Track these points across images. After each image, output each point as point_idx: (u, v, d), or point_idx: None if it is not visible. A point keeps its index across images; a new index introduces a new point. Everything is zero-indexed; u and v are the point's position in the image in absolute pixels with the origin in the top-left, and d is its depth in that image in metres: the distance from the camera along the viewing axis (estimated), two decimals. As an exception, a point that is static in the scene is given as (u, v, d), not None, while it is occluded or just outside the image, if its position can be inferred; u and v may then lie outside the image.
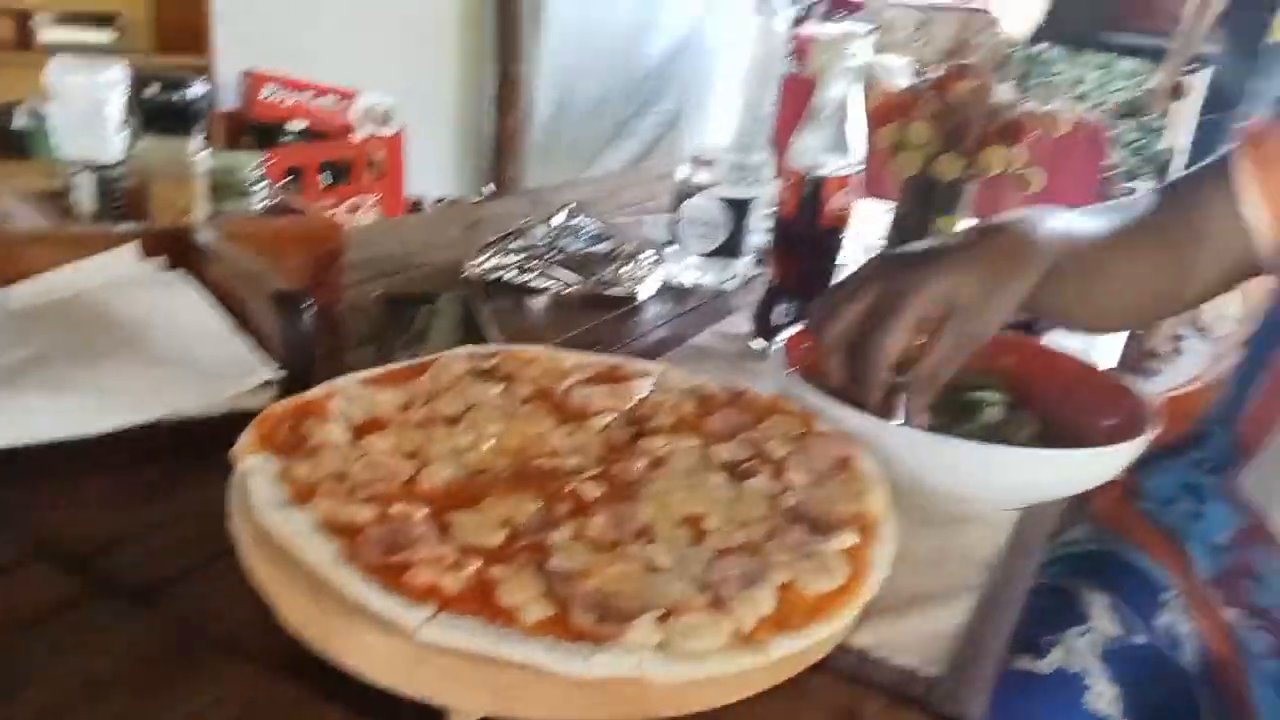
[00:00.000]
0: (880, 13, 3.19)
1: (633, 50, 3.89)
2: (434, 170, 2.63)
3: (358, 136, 2.21)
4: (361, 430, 0.56)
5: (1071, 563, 0.83)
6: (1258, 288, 0.80)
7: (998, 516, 0.67)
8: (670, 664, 0.42)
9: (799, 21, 3.80)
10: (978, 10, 3.38)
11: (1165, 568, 0.78)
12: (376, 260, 0.98)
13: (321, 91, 2.22)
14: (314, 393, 0.58)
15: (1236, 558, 0.73)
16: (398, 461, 0.53)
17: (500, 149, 2.75)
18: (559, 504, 0.52)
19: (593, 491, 0.53)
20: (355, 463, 0.52)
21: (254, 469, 0.50)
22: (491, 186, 2.55)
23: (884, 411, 0.62)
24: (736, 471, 0.57)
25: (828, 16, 3.14)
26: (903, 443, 0.60)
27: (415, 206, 2.33)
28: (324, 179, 2.21)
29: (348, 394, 0.59)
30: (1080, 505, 0.87)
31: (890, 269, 0.64)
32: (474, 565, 0.45)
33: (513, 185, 2.69)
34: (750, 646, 0.43)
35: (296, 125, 2.15)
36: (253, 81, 2.20)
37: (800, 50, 2.99)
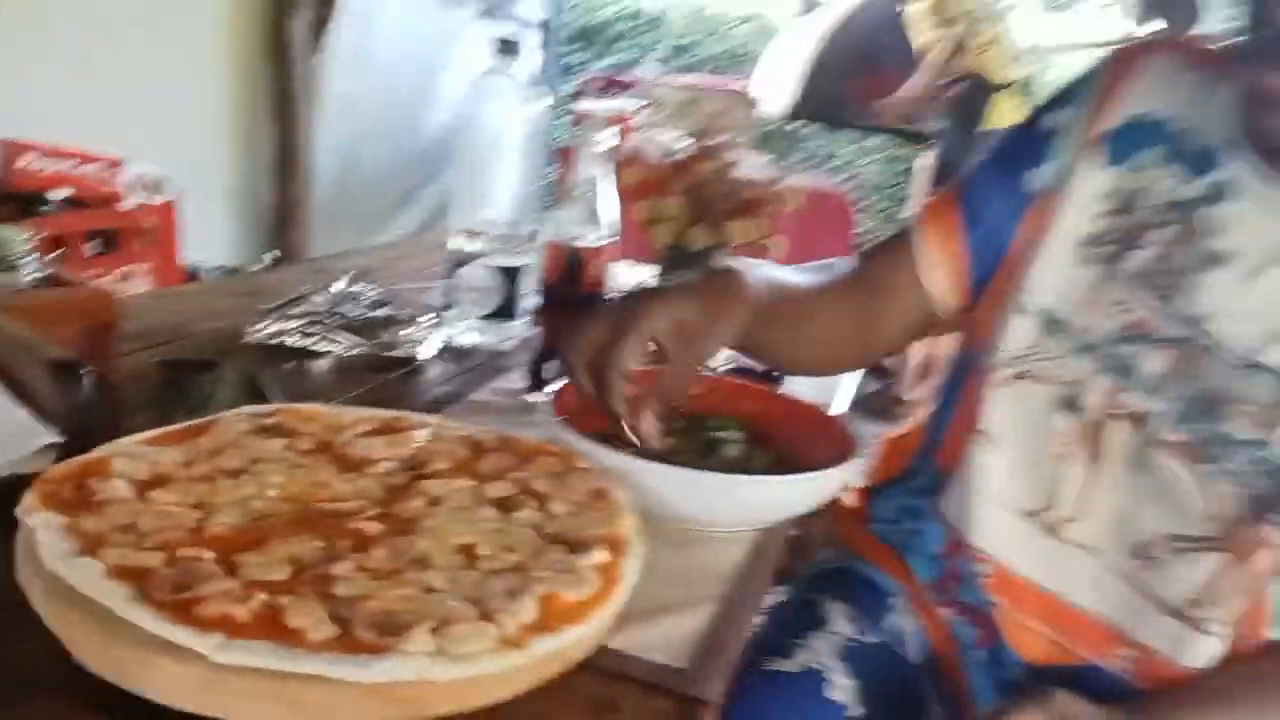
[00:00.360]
0: (650, 91, 3.41)
1: (415, 120, 3.94)
2: (212, 238, 2.58)
3: (127, 205, 2.15)
4: (145, 486, 0.59)
5: (816, 580, 0.95)
6: (949, 341, 0.96)
7: (738, 536, 0.78)
8: (444, 666, 0.48)
9: (577, 95, 4.00)
10: (738, 91, 3.68)
11: (892, 577, 0.91)
12: (155, 329, 0.98)
13: (86, 159, 2.14)
14: (95, 453, 0.61)
15: (947, 566, 0.86)
16: (183, 511, 0.57)
17: (281, 217, 2.74)
18: (341, 540, 0.57)
19: (373, 528, 0.59)
20: (141, 514, 0.56)
21: (40, 524, 0.53)
22: (275, 254, 2.53)
23: (634, 419, 0.73)
24: (505, 506, 0.64)
25: (603, 93, 3.33)
26: (655, 476, 0.70)
27: (192, 275, 2.28)
28: (92, 248, 2.13)
29: (129, 454, 0.62)
30: (827, 532, 1.01)
31: (627, 302, 0.77)
32: (261, 596, 0.50)
33: (296, 253, 2.67)
34: (515, 647, 0.50)
35: (59, 194, 2.07)
36: (10, 150, 2.10)
37: (579, 124, 3.17)
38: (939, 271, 0.86)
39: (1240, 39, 0.68)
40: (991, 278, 0.84)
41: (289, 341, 1.00)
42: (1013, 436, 0.80)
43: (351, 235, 3.30)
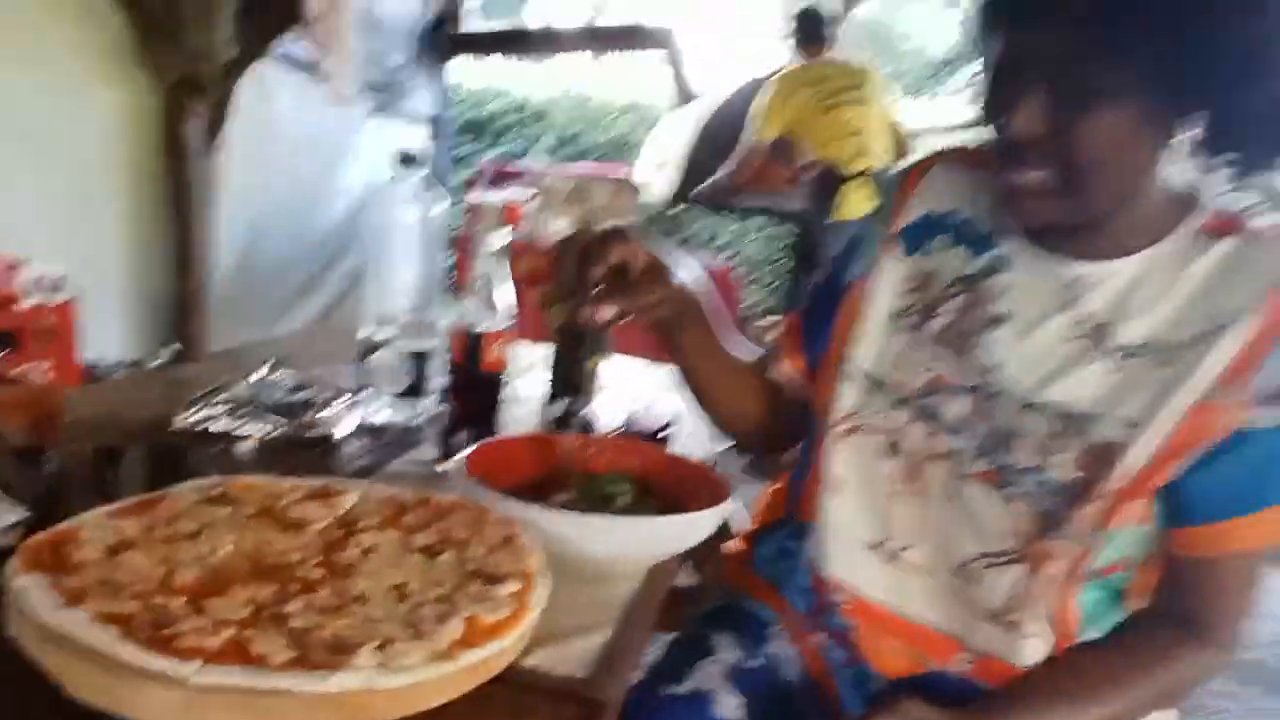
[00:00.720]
0: (538, 180, 3.57)
1: (312, 212, 4.02)
2: (110, 333, 2.59)
3: (25, 305, 2.16)
4: (115, 550, 0.69)
5: (707, 616, 1.07)
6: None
7: (631, 571, 0.90)
8: (388, 677, 0.59)
9: (469, 185, 4.15)
10: (623, 178, 3.87)
11: (772, 609, 1.04)
12: (90, 419, 1.06)
13: (-21, 262, 2.16)
14: (67, 525, 0.70)
15: (816, 597, 1.00)
16: (152, 567, 0.67)
17: (181, 309, 2.76)
18: (291, 585, 0.68)
19: (317, 574, 0.70)
20: (115, 572, 0.65)
21: (28, 585, 0.62)
22: (175, 347, 2.55)
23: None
24: (429, 551, 0.75)
25: (493, 184, 3.47)
26: (558, 522, 0.82)
27: (91, 371, 2.29)
28: (-13, 348, 2.13)
29: (96, 524, 0.71)
30: (717, 575, 1.14)
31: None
32: (228, 631, 0.60)
33: (195, 346, 2.70)
34: (446, 659, 0.61)
35: (-51, 297, 2.07)
36: (-104, 253, 2.10)
37: (471, 213, 3.30)
38: (791, 363, 1.06)
39: (992, 143, 0.87)
40: (822, 357, 1.00)
41: (215, 426, 1.09)
42: (851, 481, 0.95)
43: (252, 326, 3.33)
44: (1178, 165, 0.84)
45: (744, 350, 1.07)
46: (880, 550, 0.94)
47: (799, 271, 4.13)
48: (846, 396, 0.95)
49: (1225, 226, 0.84)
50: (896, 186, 1.01)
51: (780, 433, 1.10)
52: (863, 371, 0.95)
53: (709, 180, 3.91)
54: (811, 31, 3.78)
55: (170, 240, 2.78)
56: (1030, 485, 0.85)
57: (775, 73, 3.83)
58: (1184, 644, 0.88)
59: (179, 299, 2.76)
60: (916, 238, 0.98)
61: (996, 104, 0.83)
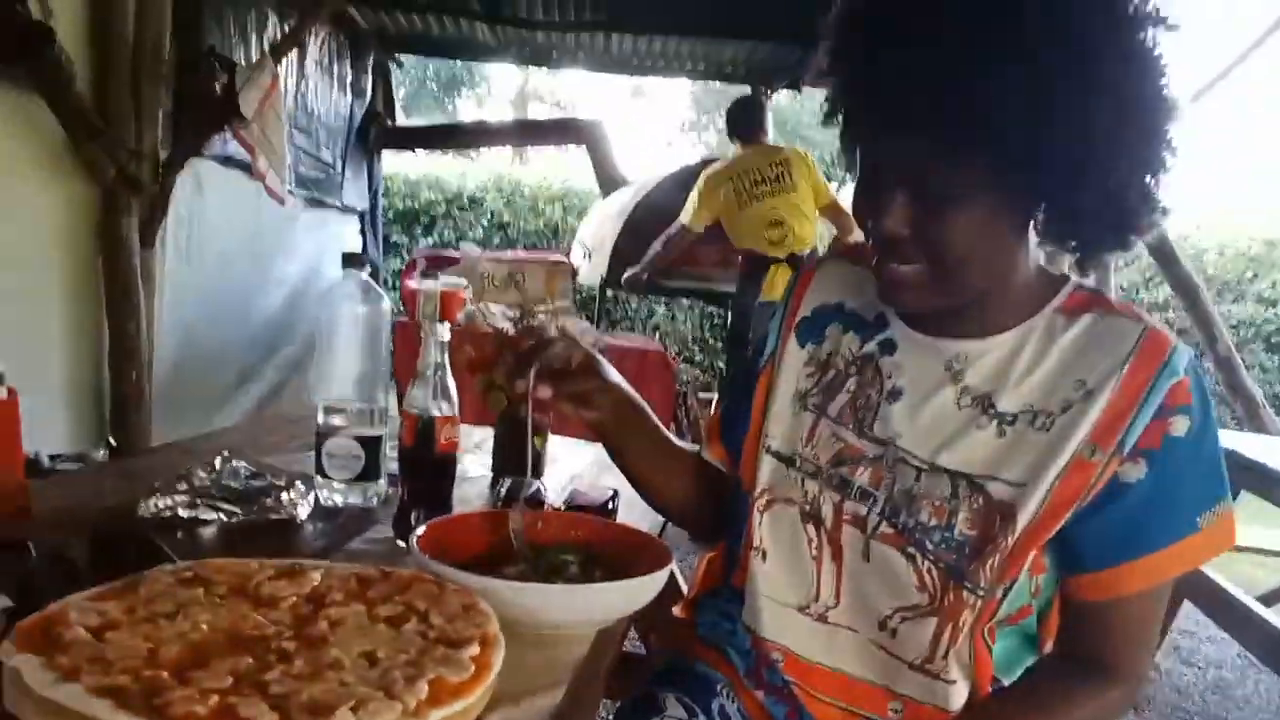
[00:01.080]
0: (474, 268, 3.66)
1: (251, 302, 4.06)
2: (51, 428, 2.59)
3: (-36, 402, 2.16)
4: (100, 630, 0.73)
5: (656, 677, 1.13)
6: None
7: (581, 635, 0.96)
8: (364, 734, 0.65)
9: (410, 268, 4.21)
10: (559, 262, 3.98)
11: (717, 670, 1.11)
12: (53, 512, 1.10)
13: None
14: (53, 608, 0.74)
15: (756, 657, 1.07)
16: (137, 645, 0.72)
17: (119, 404, 2.77)
18: (268, 656, 0.73)
19: (291, 646, 0.75)
20: (104, 650, 0.70)
21: (23, 663, 0.66)
22: (112, 442, 2.56)
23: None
24: (394, 622, 0.81)
25: (429, 271, 3.54)
26: (511, 591, 0.89)
27: (34, 465, 2.29)
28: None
29: (80, 608, 0.76)
30: (664, 640, 1.21)
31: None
32: (215, 698, 0.65)
33: (135, 439, 2.70)
34: (416, 717, 0.68)
35: (-102, 394, 2.07)
36: None
37: (408, 300, 3.37)
38: (712, 451, 1.17)
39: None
40: (745, 436, 1.10)
41: (179, 513, 1.13)
42: (777, 549, 1.03)
43: (191, 417, 3.33)
44: (1042, 250, 0.97)
45: (674, 437, 1.18)
46: (808, 612, 1.01)
47: (730, 350, 4.28)
48: (766, 471, 1.05)
49: (1085, 303, 0.96)
50: (793, 286, 1.13)
51: (711, 512, 1.18)
52: (778, 448, 1.05)
53: (640, 262, 4.06)
54: (744, 119, 4.00)
55: (108, 336, 2.80)
56: (936, 543, 0.93)
57: (706, 163, 4.03)
58: (1090, 684, 0.95)
59: (117, 394, 2.77)
60: (810, 329, 1.09)
61: (865, 207, 0.94)
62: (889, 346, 1.03)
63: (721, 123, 4.27)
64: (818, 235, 3.97)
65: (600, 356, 1.09)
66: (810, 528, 1.01)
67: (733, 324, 4.08)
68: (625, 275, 4.11)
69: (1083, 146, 0.83)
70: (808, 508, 1.01)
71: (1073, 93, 0.81)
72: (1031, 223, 0.93)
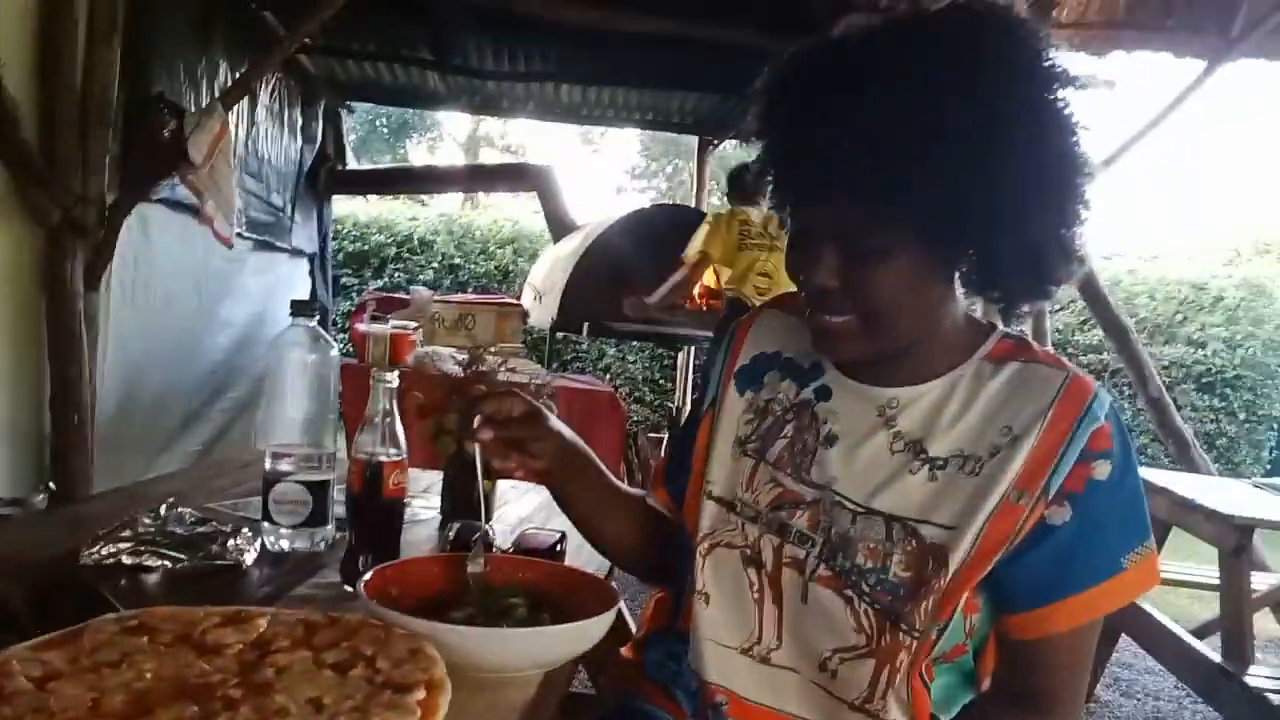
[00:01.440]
0: (424, 309, 3.66)
1: (198, 345, 4.01)
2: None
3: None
4: (43, 680, 0.73)
5: (604, 718, 1.15)
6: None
7: (528, 678, 0.97)
8: (310, 777, 0.65)
9: (360, 310, 4.20)
10: (510, 304, 4.00)
11: (664, 709, 1.12)
12: (-2, 557, 1.09)
13: None
14: (-5, 659, 0.74)
15: (703, 698, 1.08)
16: (80, 694, 0.72)
17: (60, 449, 2.72)
18: (213, 704, 0.73)
19: (237, 693, 0.75)
20: (47, 700, 0.70)
21: (-37, 715, 0.66)
22: (50, 486, 2.50)
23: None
24: (340, 668, 0.82)
25: (378, 314, 3.53)
26: (457, 635, 0.90)
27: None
28: None
29: (21, 658, 0.76)
30: (612, 680, 1.23)
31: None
32: (161, 746, 0.66)
33: (75, 484, 2.65)
34: (362, 760, 0.68)
35: None
36: None
37: (357, 343, 3.35)
38: (658, 496, 1.20)
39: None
40: (689, 482, 1.13)
41: (123, 560, 1.12)
42: (719, 593, 1.06)
43: (133, 461, 3.27)
44: (969, 299, 1.02)
45: (620, 483, 1.21)
46: (751, 654, 1.04)
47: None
48: (708, 516, 1.08)
49: (1011, 351, 1.00)
50: (731, 335, 1.17)
51: (657, 555, 1.20)
52: (719, 494, 1.08)
53: (658, 292, 4.17)
54: (744, 184, 4.20)
55: (50, 380, 2.75)
56: (872, 585, 0.96)
57: (657, 207, 4.14)
58: (1027, 719, 0.99)
59: (58, 438, 2.72)
60: (749, 378, 1.13)
61: (795, 262, 0.99)
62: (824, 393, 1.06)
63: (670, 169, 4.37)
64: None
65: (544, 407, 1.11)
66: (751, 571, 1.03)
67: (702, 371, 4.16)
68: (652, 298, 4.18)
69: (999, 204, 0.88)
70: (749, 551, 1.04)
71: (989, 156, 0.86)
72: (957, 275, 0.97)
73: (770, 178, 1.02)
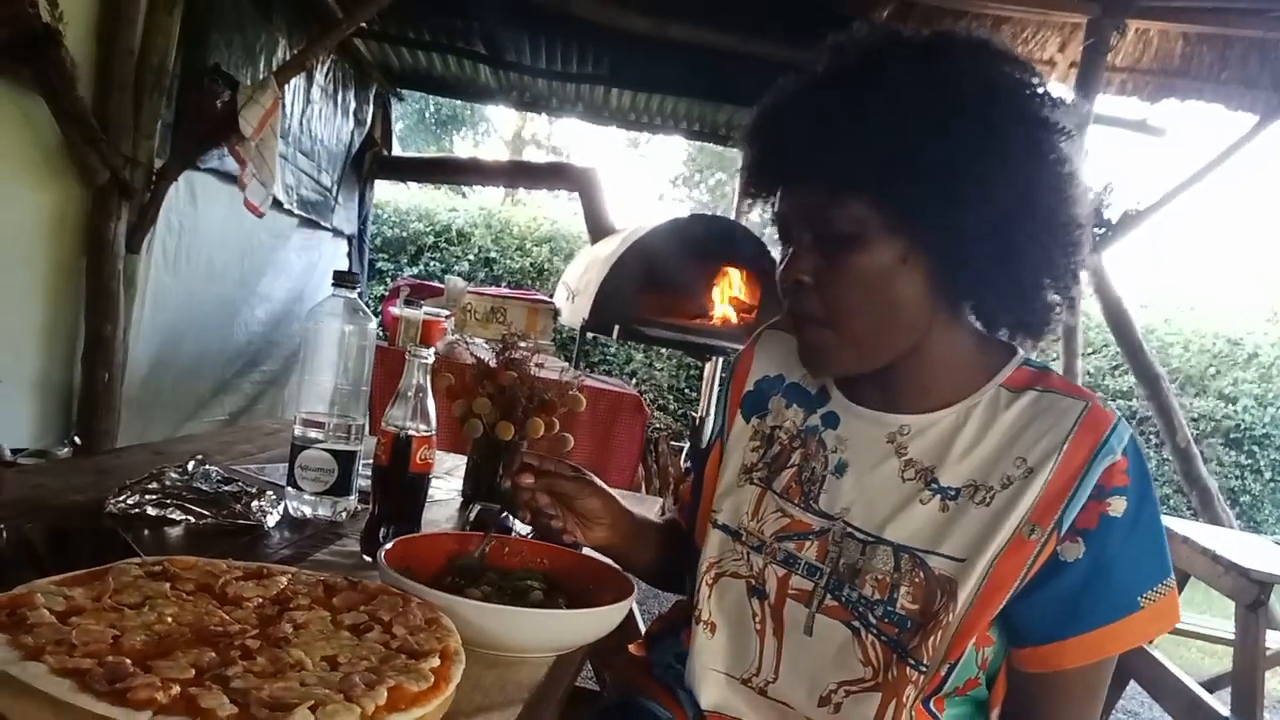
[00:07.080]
0: (458, 298, 3.68)
1: (235, 315, 4.06)
2: (15, 421, 2.57)
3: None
4: (66, 615, 0.74)
5: (606, 712, 1.14)
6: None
7: (540, 659, 0.97)
8: (321, 733, 0.66)
9: (393, 295, 4.23)
10: (543, 301, 4.01)
11: (667, 708, 1.12)
12: (21, 501, 1.10)
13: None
14: (18, 590, 0.75)
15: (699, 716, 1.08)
16: (102, 631, 0.72)
17: (88, 404, 2.75)
18: (231, 652, 0.74)
19: (254, 644, 0.76)
20: (69, 634, 0.71)
21: (-12, 639, 0.67)
22: (76, 440, 2.54)
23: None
24: (357, 630, 0.82)
25: (411, 299, 3.56)
26: (474, 611, 0.90)
27: (-1, 455, 2.27)
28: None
29: (46, 591, 0.77)
30: (618, 681, 1.22)
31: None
32: (176, 688, 0.66)
33: (101, 439, 2.68)
34: (373, 721, 0.68)
35: None
36: None
37: (390, 326, 3.38)
38: (682, 520, 1.21)
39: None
40: (698, 509, 1.14)
41: (148, 511, 1.14)
42: (722, 621, 1.05)
43: (161, 424, 3.31)
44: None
45: (650, 519, 1.22)
46: (750, 684, 1.03)
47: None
48: (713, 544, 1.07)
49: (1030, 380, 0.98)
50: (735, 363, 1.17)
51: (680, 570, 1.20)
52: (725, 522, 1.07)
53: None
54: None
55: (84, 336, 2.79)
56: (879, 617, 0.94)
57: (693, 217, 4.12)
58: None
59: (87, 393, 2.76)
60: (755, 403, 1.13)
61: (780, 270, 0.99)
62: (832, 420, 1.05)
63: (714, 181, 4.36)
64: None
65: (596, 480, 1.13)
66: (756, 601, 1.02)
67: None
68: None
69: (977, 218, 0.88)
70: (753, 581, 1.03)
71: (974, 167, 0.87)
72: (956, 306, 0.97)
73: (757, 169, 1.01)
